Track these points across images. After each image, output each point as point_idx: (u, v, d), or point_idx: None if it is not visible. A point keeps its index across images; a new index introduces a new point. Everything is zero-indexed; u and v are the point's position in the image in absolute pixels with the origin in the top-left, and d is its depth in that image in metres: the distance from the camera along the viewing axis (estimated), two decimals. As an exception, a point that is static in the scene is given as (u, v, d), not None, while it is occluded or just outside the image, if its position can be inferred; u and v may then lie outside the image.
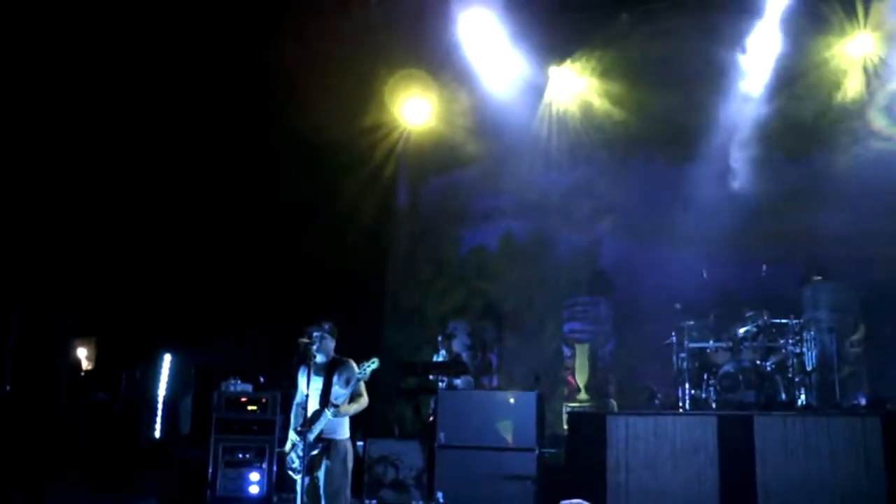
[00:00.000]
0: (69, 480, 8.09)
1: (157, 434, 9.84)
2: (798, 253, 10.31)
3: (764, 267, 9.43)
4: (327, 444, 6.33)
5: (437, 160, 12.49)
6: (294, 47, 9.68)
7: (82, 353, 10.18)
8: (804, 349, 9.34)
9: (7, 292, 8.21)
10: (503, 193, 12.15)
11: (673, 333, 9.72)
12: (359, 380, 6.37)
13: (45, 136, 9.16)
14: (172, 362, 9.90)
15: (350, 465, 6.52)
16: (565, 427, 10.69)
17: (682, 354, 9.59)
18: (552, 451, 9.31)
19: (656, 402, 9.98)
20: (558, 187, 11.91)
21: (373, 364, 6.33)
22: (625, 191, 11.60)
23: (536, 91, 11.77)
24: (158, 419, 9.81)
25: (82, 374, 10.05)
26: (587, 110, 11.78)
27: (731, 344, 9.36)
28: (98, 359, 10.06)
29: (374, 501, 9.03)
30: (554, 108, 11.89)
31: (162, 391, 9.82)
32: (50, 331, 8.86)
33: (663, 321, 9.97)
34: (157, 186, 9.91)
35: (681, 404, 9.43)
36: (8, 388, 8.13)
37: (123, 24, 9.32)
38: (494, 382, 10.90)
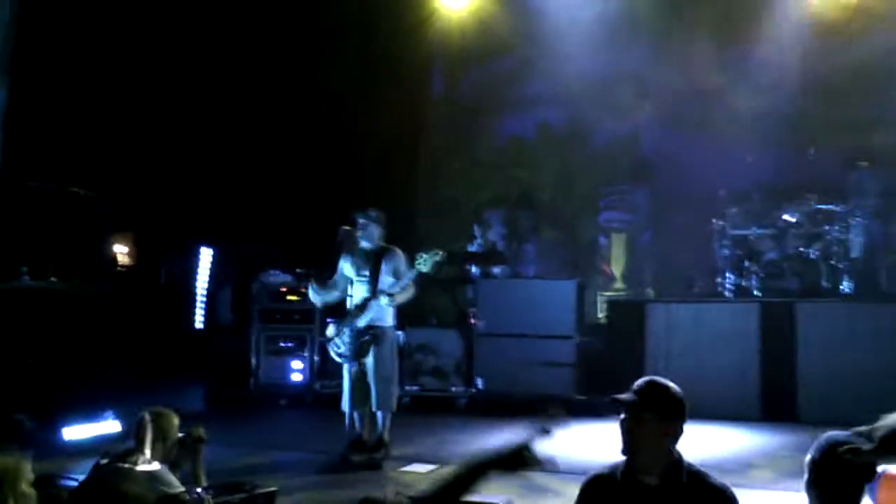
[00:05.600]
0: (117, 368, 8.22)
1: (199, 325, 9.94)
2: (846, 138, 9.91)
3: (811, 151, 9.13)
4: (376, 332, 6.36)
5: (474, 49, 12.01)
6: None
7: (119, 248, 10.19)
8: (850, 235, 9.12)
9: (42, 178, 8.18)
10: (541, 81, 11.66)
11: (715, 220, 9.54)
12: (419, 271, 6.23)
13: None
14: (213, 256, 9.90)
15: (396, 351, 6.58)
16: (600, 316, 10.73)
17: (725, 242, 9.44)
18: (590, 339, 9.35)
19: (695, 290, 9.91)
20: (599, 74, 11.36)
21: (435, 256, 6.17)
22: (669, 76, 11.09)
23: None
24: (199, 310, 9.88)
25: (120, 267, 10.09)
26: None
27: (775, 231, 9.20)
28: (137, 254, 10.09)
29: (415, 387, 9.19)
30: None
31: (202, 283, 9.86)
32: (86, 222, 8.87)
33: (705, 209, 9.77)
34: (192, 78, 9.66)
35: (721, 292, 9.35)
36: (52, 279, 8.21)
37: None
38: (531, 272, 10.86)
